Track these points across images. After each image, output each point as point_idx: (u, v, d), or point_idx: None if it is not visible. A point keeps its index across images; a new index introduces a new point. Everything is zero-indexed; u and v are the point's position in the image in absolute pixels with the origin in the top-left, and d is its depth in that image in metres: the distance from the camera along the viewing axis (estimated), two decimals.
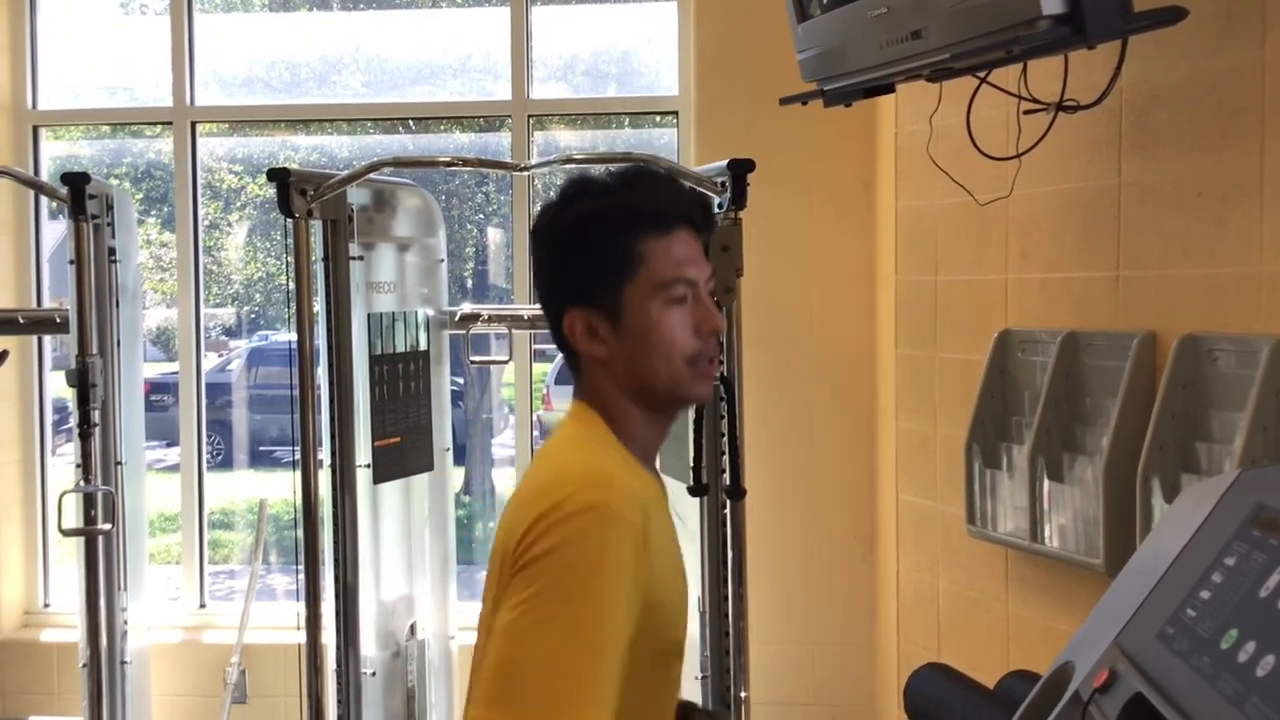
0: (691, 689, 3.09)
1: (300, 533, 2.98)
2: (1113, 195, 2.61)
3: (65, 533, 3.11)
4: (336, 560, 3.06)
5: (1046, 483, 2.71)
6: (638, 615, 1.39)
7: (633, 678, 1.42)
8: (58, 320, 3.46)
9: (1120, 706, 1.42)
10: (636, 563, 1.39)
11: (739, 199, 2.92)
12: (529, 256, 1.63)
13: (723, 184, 2.95)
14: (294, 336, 2.95)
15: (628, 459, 1.53)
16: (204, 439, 4.39)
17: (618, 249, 1.53)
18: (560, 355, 1.64)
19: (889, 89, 2.58)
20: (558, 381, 6.25)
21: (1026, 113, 2.51)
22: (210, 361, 5.51)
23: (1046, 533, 2.74)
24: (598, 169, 1.64)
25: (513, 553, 1.41)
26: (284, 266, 2.98)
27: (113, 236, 3.24)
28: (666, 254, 1.53)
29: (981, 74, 2.50)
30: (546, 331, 1.67)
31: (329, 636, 3.07)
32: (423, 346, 3.44)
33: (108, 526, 3.12)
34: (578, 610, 1.34)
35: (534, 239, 1.62)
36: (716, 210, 2.99)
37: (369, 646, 3.19)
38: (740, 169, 2.91)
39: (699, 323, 1.54)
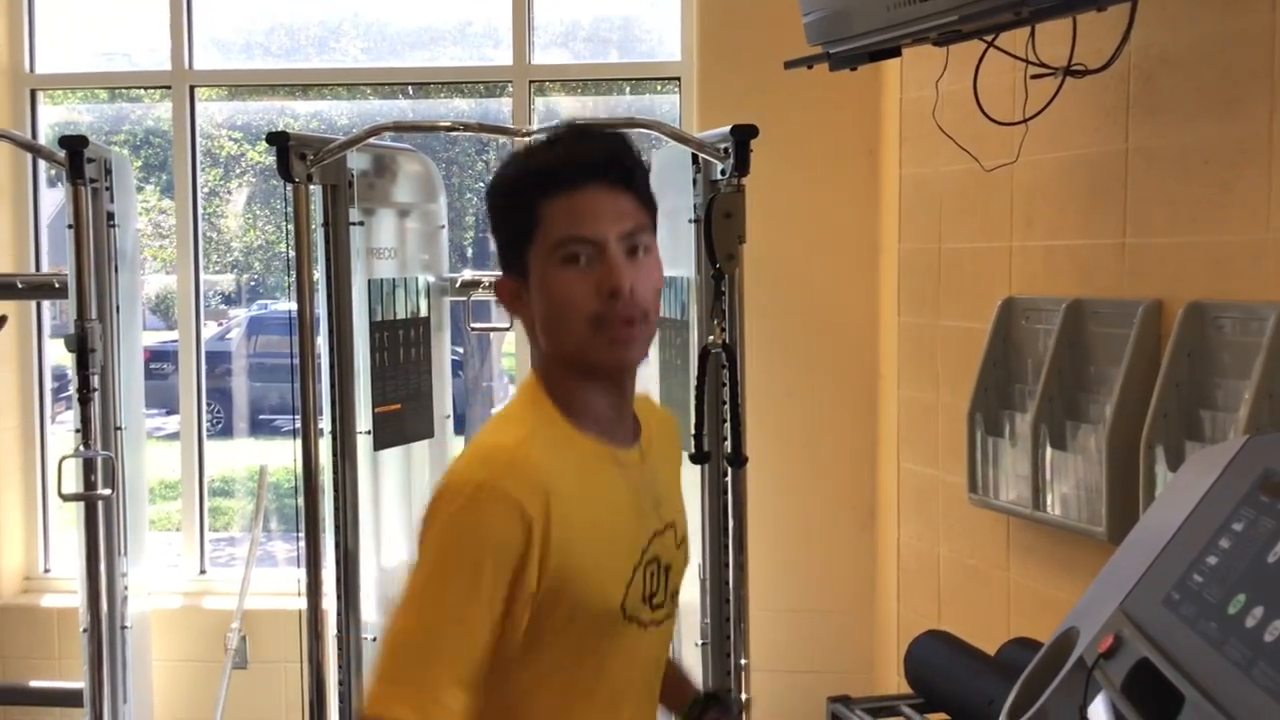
0: (691, 656, 3.10)
1: (301, 499, 2.98)
2: (1119, 161, 2.59)
3: (65, 498, 3.11)
4: (337, 526, 3.06)
5: (1049, 451, 2.71)
6: (537, 585, 1.42)
7: (563, 644, 1.48)
8: (56, 285, 3.44)
9: (1125, 671, 1.42)
10: (520, 538, 1.41)
11: (742, 165, 2.90)
12: None
13: (725, 150, 2.93)
14: (294, 303, 2.94)
15: (555, 430, 1.51)
16: (204, 406, 4.38)
17: (516, 213, 1.52)
18: None
19: (895, 52, 2.56)
20: None
21: (1034, 77, 2.49)
22: (209, 330, 5.49)
23: (1049, 501, 2.74)
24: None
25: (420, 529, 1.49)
26: (283, 234, 2.97)
27: (111, 201, 3.22)
28: (565, 213, 1.48)
29: (989, 37, 2.47)
30: None
31: (330, 603, 3.07)
32: (423, 313, 3.42)
33: (108, 491, 3.11)
34: (446, 586, 1.41)
35: None
36: (719, 177, 2.97)
37: (370, 612, 3.18)
38: (743, 135, 2.89)
39: (599, 281, 1.47)
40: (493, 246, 1.59)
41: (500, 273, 1.57)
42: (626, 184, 1.52)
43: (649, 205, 1.55)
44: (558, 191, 1.49)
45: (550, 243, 1.48)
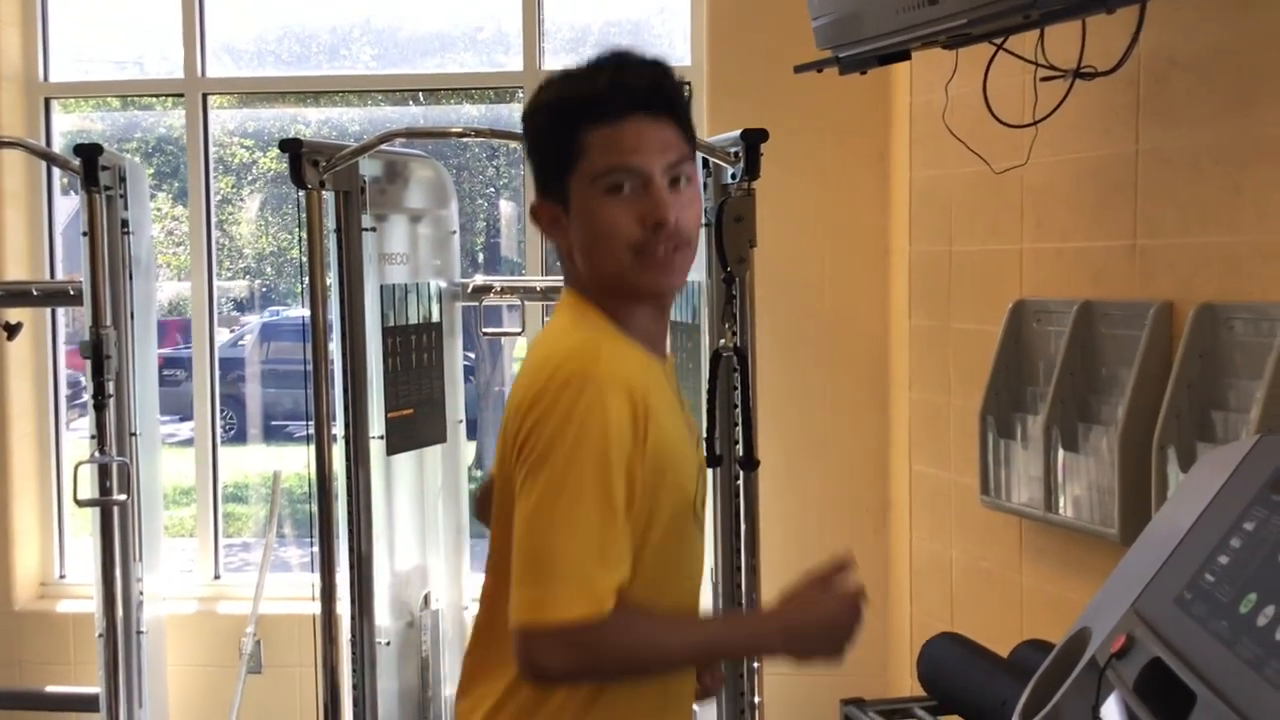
0: None
1: (314, 505, 2.99)
2: (1130, 163, 2.59)
3: (81, 503, 3.12)
4: (351, 531, 3.06)
5: (1061, 452, 2.71)
6: (649, 473, 1.46)
7: (661, 534, 1.51)
8: (71, 293, 3.46)
9: (1138, 671, 1.42)
10: (634, 424, 1.44)
11: (752, 169, 2.91)
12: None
13: (735, 154, 2.94)
14: (307, 309, 2.95)
15: (618, 337, 1.55)
16: (218, 411, 4.40)
17: (559, 140, 1.53)
18: None
19: (905, 56, 2.56)
20: None
21: (1043, 80, 2.49)
22: (221, 336, 5.52)
23: (1061, 503, 2.74)
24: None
25: (515, 435, 1.47)
26: (295, 240, 2.98)
27: (125, 208, 3.23)
28: (608, 143, 1.50)
29: (998, 40, 2.48)
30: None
31: (344, 607, 3.08)
32: (435, 318, 3.44)
33: (123, 497, 3.13)
34: (586, 479, 1.41)
35: None
36: (729, 180, 2.97)
37: (383, 617, 3.20)
38: (753, 139, 2.89)
39: (644, 213, 1.50)
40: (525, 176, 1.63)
41: (536, 196, 1.59)
42: (669, 113, 1.54)
43: (689, 134, 1.57)
44: (601, 120, 1.51)
45: (593, 172, 1.50)
